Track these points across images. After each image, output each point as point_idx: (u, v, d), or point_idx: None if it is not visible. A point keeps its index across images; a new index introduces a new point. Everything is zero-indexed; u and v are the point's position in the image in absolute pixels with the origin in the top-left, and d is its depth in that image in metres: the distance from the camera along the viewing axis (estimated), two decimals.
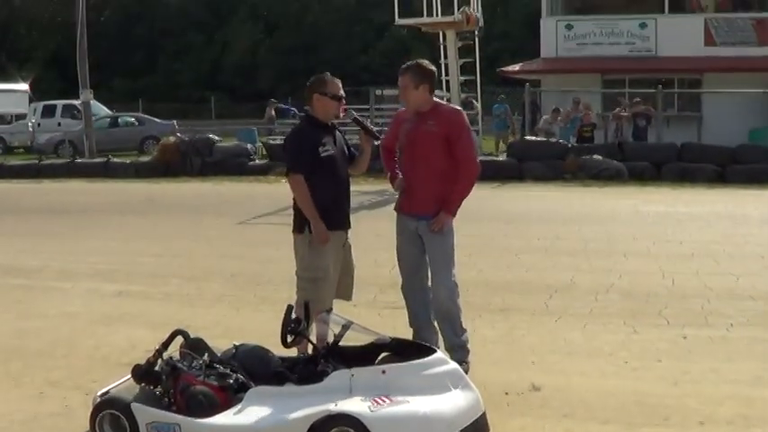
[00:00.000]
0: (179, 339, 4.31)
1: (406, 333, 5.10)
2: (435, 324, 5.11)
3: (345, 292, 5.02)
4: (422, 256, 5.05)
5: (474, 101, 20.09)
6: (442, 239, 4.98)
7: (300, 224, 4.85)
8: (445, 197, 4.95)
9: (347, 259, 5.00)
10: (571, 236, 10.00)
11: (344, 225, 4.95)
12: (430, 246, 5.01)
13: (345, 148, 5.00)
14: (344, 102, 4.96)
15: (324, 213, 4.79)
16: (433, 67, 5.12)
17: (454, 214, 5.00)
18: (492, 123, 23.27)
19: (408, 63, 5.09)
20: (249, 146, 20.30)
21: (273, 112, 25.89)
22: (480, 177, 5.22)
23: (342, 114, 4.98)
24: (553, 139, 18.31)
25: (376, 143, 5.04)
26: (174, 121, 28.73)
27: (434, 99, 5.09)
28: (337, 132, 5.00)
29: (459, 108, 5.13)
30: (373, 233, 9.77)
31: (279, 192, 14.61)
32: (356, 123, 5.03)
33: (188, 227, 11.49)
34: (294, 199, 4.89)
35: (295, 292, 4.91)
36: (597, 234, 10.08)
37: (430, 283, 5.07)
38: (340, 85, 4.92)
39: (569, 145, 17.85)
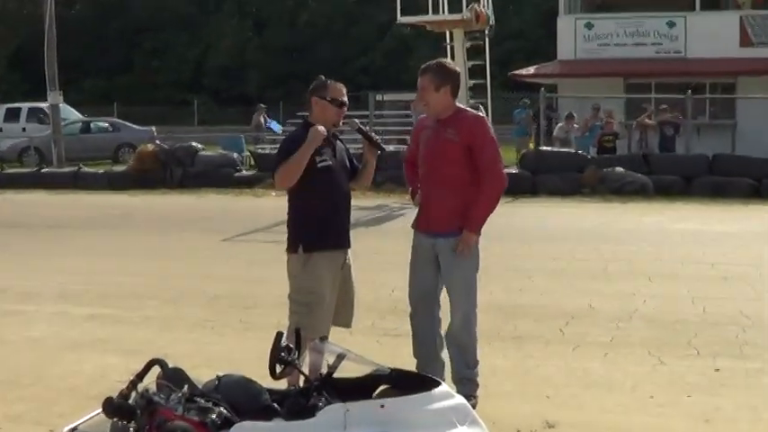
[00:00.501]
0: (156, 369, 4.30)
1: (408, 363, 5.10)
2: (443, 355, 5.11)
3: (344, 319, 5.03)
4: (436, 280, 5.06)
5: (481, 106, 20.16)
6: (462, 261, 4.98)
7: (294, 242, 4.87)
8: (466, 213, 4.95)
9: (346, 282, 5.00)
10: (590, 256, 10.01)
11: (343, 244, 4.97)
12: (448, 268, 5.00)
13: (347, 160, 5.03)
14: (347, 109, 4.99)
15: (320, 230, 4.80)
16: (458, 69, 5.13)
17: (478, 233, 4.99)
18: (513, 130, 23.27)
19: (429, 62, 5.09)
20: (235, 155, 20.37)
21: (262, 119, 25.96)
22: None
23: (342, 122, 5.01)
24: (571, 150, 18.37)
25: (380, 153, 5.06)
26: (153, 127, 28.80)
27: (457, 104, 5.10)
28: (338, 142, 5.03)
29: (483, 115, 5.13)
30: (372, 252, 9.79)
31: (268, 206, 14.63)
32: (359, 133, 5.06)
33: (167, 244, 11.50)
34: (288, 215, 4.92)
35: (287, 317, 4.91)
36: (619, 254, 10.09)
37: (441, 312, 5.08)
38: (343, 91, 4.95)
39: (588, 156, 17.91)
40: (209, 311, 7.59)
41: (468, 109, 5.20)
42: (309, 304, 4.80)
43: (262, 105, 26.64)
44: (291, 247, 4.89)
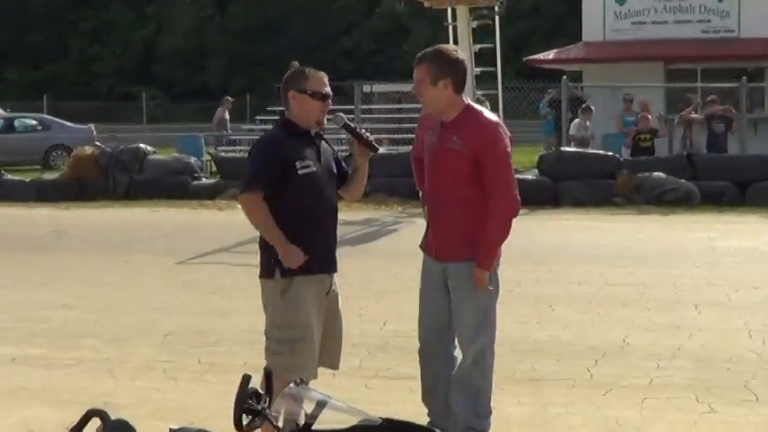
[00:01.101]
0: (95, 422, 4.29)
1: (403, 411, 5.10)
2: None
3: (330, 359, 5.03)
4: (449, 310, 5.10)
5: (486, 101, 20.17)
6: (475, 292, 5.01)
7: (270, 266, 4.85)
8: (476, 238, 4.97)
9: (333, 313, 5.02)
10: (624, 280, 10.03)
11: (329, 267, 4.98)
12: (458, 299, 5.04)
13: (333, 165, 5.05)
14: (331, 102, 5.00)
15: (302, 250, 4.81)
16: (463, 57, 5.10)
17: (488, 267, 5.01)
18: (541, 127, 22.72)
19: (426, 50, 5.08)
20: (193, 159, 20.36)
21: (227, 114, 25.96)
22: None
23: (326, 120, 5.02)
24: (599, 151, 18.41)
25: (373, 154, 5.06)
26: (92, 126, 28.80)
27: (466, 102, 5.09)
28: (323, 143, 5.05)
29: (497, 119, 5.11)
30: (358, 277, 9.78)
31: (232, 221, 14.62)
32: (347, 131, 5.07)
33: (109, 269, 11.49)
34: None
35: (264, 358, 4.90)
36: (659, 278, 10.12)
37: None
38: (325, 80, 4.97)
39: (621, 158, 17.96)
40: (161, 351, 7.57)
41: (479, 108, 5.17)
42: (292, 341, 4.80)
43: (228, 98, 26.61)
44: (266, 272, 4.87)
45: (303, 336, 4.81)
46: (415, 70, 5.03)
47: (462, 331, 5.04)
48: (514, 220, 5.07)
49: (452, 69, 4.98)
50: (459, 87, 5.01)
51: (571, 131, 20.09)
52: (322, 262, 4.90)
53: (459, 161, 4.93)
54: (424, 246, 5.22)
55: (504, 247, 5.16)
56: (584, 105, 20.47)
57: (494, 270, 5.06)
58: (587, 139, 19.92)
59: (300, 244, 4.81)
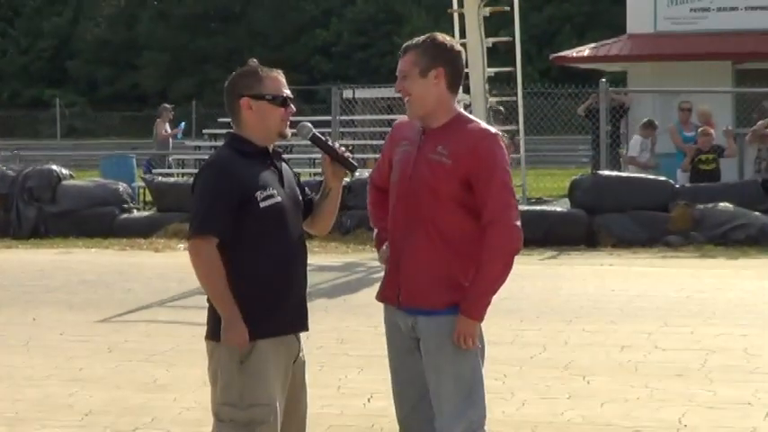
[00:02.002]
0: None
1: None
2: None
3: None
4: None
5: (500, 107, 20.26)
6: (455, 352, 5.00)
7: (219, 325, 4.87)
8: (461, 283, 4.99)
9: (297, 387, 5.04)
10: (680, 343, 10.06)
11: (297, 325, 5.02)
12: (433, 361, 5.03)
13: (297, 191, 5.10)
14: (293, 107, 5.06)
15: (266, 304, 4.85)
16: (460, 48, 5.16)
17: (481, 318, 5.02)
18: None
19: (416, 38, 5.16)
20: (121, 186, 20.36)
21: (168, 127, 25.98)
22: (525, 242, 5.24)
23: (290, 132, 5.07)
24: (647, 175, 18.46)
25: (348, 178, 5.11)
26: None
27: (458, 108, 5.16)
28: (284, 165, 5.09)
29: (494, 130, 5.16)
30: (337, 339, 9.79)
31: (172, 266, 14.61)
32: (316, 145, 5.11)
33: (11, 327, 11.47)
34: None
35: None
36: (726, 340, 10.14)
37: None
38: (283, 80, 5.03)
39: (676, 185, 18.02)
40: None
41: (473, 118, 5.24)
42: (251, 425, 4.82)
43: (167, 106, 26.68)
44: (218, 332, 4.88)
45: (265, 418, 4.83)
46: (399, 62, 5.10)
47: (443, 408, 5.00)
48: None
49: (447, 57, 5.06)
50: (453, 82, 5.08)
51: (631, 152, 20.16)
52: (289, 317, 4.94)
53: (443, 176, 4.97)
54: (384, 294, 5.20)
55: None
56: (645, 120, 20.55)
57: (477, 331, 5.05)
58: (652, 162, 19.99)
59: (264, 299, 4.85)
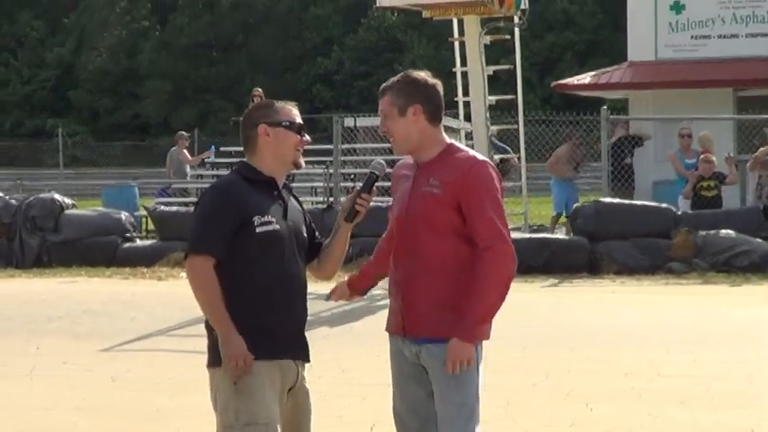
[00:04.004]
0: None
1: None
2: None
3: None
4: (431, 401, 5.17)
5: (495, 140, 20.27)
6: (458, 379, 5.07)
7: (219, 351, 4.91)
8: (460, 307, 5.04)
9: (299, 415, 5.07)
10: (683, 370, 10.05)
11: (295, 352, 5.05)
12: (437, 387, 5.11)
13: (303, 228, 5.14)
14: (308, 137, 5.14)
15: (260, 329, 4.89)
16: (434, 81, 5.25)
17: (473, 340, 5.06)
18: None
19: (392, 78, 5.26)
20: (124, 215, 20.36)
21: (187, 153, 25.70)
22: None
23: (303, 162, 5.12)
24: (649, 203, 18.42)
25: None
26: None
27: (448, 140, 5.24)
28: (292, 199, 5.15)
29: (482, 158, 5.25)
30: (338, 368, 9.79)
31: (175, 295, 14.60)
32: (368, 182, 5.14)
33: (13, 356, 11.46)
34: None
35: None
36: (730, 367, 10.13)
37: None
38: (296, 111, 5.12)
39: (678, 212, 18.02)
40: None
41: (463, 148, 5.32)
42: None
43: (183, 134, 26.52)
44: (215, 359, 4.94)
45: None
46: (379, 103, 5.21)
47: (444, 425, 5.08)
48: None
49: (422, 93, 5.16)
50: (433, 116, 5.17)
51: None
52: (287, 344, 4.98)
53: (436, 207, 5.06)
54: (390, 325, 5.28)
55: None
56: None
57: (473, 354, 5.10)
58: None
59: (256, 323, 4.89)
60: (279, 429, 4.91)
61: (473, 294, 5.01)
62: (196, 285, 4.91)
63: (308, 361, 5.11)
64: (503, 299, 5.08)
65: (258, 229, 4.91)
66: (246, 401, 4.86)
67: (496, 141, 20.76)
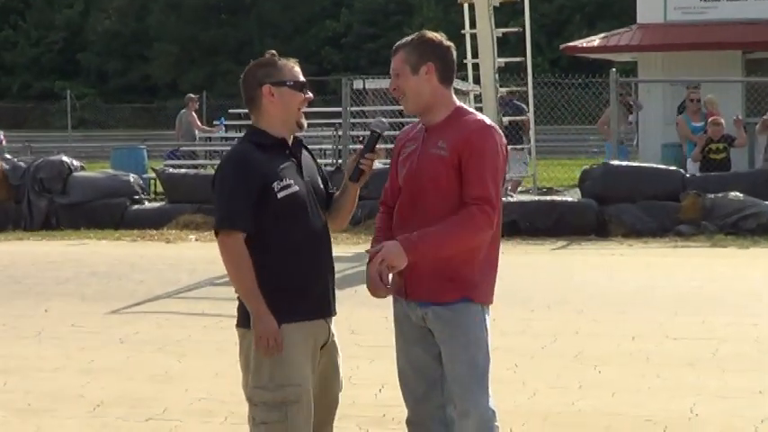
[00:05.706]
0: None
1: None
2: None
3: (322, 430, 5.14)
4: (437, 364, 5.20)
5: (515, 100, 20.27)
6: (467, 337, 5.10)
7: (248, 313, 4.96)
8: (466, 275, 5.09)
9: (329, 371, 5.14)
10: (691, 333, 10.06)
11: (325, 311, 5.12)
12: (446, 348, 5.15)
13: (319, 180, 5.18)
14: (310, 94, 5.13)
15: (291, 291, 4.94)
16: (449, 43, 5.28)
17: (411, 252, 5.02)
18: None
19: (406, 37, 5.27)
20: (133, 177, 20.36)
21: (195, 117, 25.69)
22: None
23: (305, 123, 5.12)
24: (657, 165, 18.39)
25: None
26: (0, 133, 28.85)
27: (457, 101, 5.27)
28: (304, 153, 5.15)
29: (489, 122, 5.26)
30: (348, 330, 9.80)
31: (183, 257, 14.62)
32: (370, 139, 5.14)
33: (22, 318, 11.49)
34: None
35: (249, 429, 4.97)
36: (738, 330, 10.14)
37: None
38: (298, 68, 5.11)
39: (686, 174, 18.00)
40: (90, 426, 7.57)
41: (471, 110, 5.36)
42: (284, 405, 4.91)
43: (192, 96, 26.47)
44: (246, 320, 4.98)
45: (297, 398, 4.92)
46: (392, 61, 5.22)
47: (456, 386, 5.12)
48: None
49: (436, 52, 5.19)
50: (445, 76, 5.20)
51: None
52: (315, 303, 5.06)
53: (443, 169, 5.08)
54: (395, 288, 5.27)
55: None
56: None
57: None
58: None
59: (286, 287, 4.93)
60: (311, 390, 4.95)
61: (438, 227, 5.02)
62: (229, 263, 4.96)
63: (335, 314, 5.17)
64: (454, 249, 5.06)
65: (280, 194, 4.94)
66: (281, 363, 4.91)
67: (516, 101, 20.73)
